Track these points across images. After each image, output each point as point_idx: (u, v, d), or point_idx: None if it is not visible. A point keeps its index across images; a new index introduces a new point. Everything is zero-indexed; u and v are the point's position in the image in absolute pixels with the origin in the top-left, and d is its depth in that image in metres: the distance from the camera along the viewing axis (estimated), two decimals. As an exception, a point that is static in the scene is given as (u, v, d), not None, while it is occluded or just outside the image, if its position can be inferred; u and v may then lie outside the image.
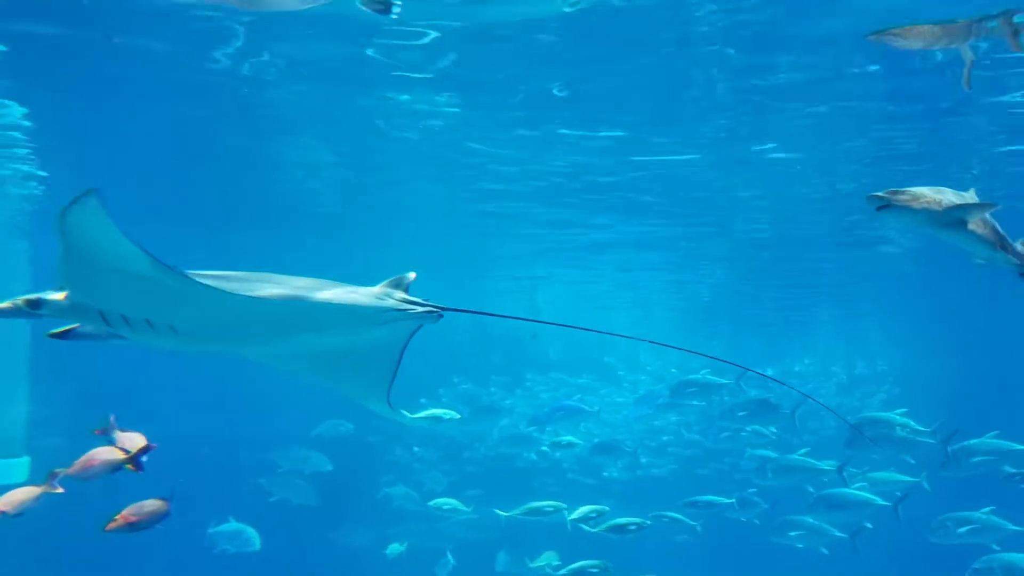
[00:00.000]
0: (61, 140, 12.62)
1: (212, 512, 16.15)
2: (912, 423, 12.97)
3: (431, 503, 16.34)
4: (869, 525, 14.57)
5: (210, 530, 16.22)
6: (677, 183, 13.76)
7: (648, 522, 13.53)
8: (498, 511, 14.04)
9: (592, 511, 13.24)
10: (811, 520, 14.80)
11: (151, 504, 7.51)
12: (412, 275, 5.15)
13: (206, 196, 16.05)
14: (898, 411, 13.51)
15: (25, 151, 13.08)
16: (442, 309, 4.99)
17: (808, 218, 15.95)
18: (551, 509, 13.75)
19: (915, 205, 5.89)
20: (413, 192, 15.06)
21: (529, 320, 5.16)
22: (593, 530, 13.15)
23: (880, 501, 13.82)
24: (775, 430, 15.86)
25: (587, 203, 15.44)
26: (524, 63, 8.99)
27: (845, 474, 14.21)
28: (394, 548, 17.41)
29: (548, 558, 13.80)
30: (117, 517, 7.38)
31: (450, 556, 17.44)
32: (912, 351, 32.15)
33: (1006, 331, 26.80)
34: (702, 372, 16.29)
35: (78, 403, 17.07)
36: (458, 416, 16.34)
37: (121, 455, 7.52)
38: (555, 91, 9.84)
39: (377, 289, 5.08)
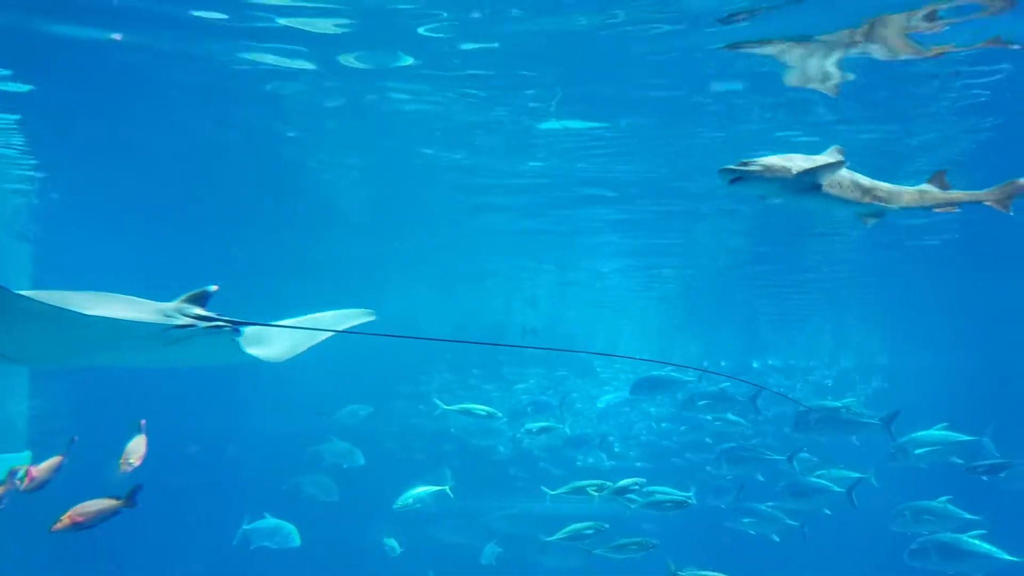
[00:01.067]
0: (62, 139, 12.66)
1: (197, 510, 16.11)
2: (856, 408, 13.69)
3: (397, 504, 15.38)
4: (828, 511, 15.20)
5: (245, 526, 15.77)
6: (659, 177, 13.74)
7: (692, 501, 13.49)
8: (546, 489, 14.08)
9: (633, 483, 13.14)
10: (764, 508, 15.33)
11: (97, 504, 7.21)
12: (214, 287, 4.96)
13: (218, 201, 16.26)
14: (847, 400, 14.26)
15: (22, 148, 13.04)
16: (233, 323, 4.85)
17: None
18: (594, 489, 13.46)
19: (768, 175, 5.77)
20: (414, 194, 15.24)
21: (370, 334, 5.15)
22: (631, 506, 13.08)
23: (839, 490, 14.24)
24: (736, 418, 16.46)
25: (570, 199, 15.46)
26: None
27: (798, 463, 14.87)
28: (390, 543, 16.92)
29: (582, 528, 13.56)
30: (63, 517, 7.08)
31: (431, 573, 17.18)
32: (898, 347, 32.39)
33: (996, 327, 26.72)
34: (666, 369, 16.90)
35: (77, 398, 17.55)
36: (500, 415, 16.16)
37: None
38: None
39: (172, 305, 4.87)
